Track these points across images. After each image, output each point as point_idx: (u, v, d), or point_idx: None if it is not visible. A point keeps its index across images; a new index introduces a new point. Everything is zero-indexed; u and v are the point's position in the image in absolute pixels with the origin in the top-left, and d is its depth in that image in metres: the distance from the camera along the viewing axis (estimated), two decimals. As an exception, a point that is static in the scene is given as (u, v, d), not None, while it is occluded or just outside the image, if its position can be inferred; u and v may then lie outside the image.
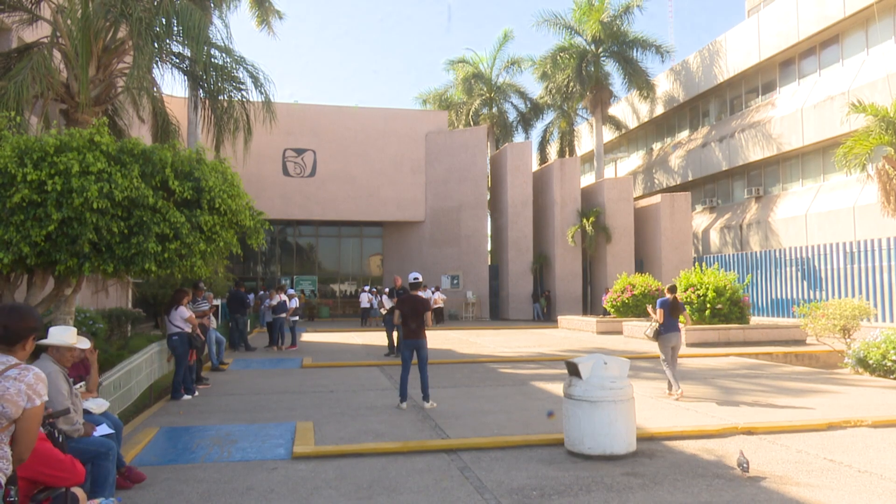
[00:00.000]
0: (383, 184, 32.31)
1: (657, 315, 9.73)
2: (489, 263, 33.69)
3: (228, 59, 13.60)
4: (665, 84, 35.73)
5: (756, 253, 25.43)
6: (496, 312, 32.73)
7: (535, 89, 48.18)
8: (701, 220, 32.82)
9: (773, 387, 10.45)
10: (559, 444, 6.56)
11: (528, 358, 14.85)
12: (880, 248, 19.61)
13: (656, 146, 38.21)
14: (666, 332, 9.72)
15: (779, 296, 23.80)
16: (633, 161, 40.34)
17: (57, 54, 12.43)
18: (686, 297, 17.91)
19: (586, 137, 43.35)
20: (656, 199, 30.78)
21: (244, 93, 14.04)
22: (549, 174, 31.63)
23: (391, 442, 6.84)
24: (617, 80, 34.97)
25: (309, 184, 31.85)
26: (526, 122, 39.83)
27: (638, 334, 18.79)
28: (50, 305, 8.69)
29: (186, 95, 22.77)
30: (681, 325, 10.03)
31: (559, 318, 26.04)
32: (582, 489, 5.28)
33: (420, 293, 9.20)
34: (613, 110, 38.45)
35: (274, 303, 17.13)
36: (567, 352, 15.89)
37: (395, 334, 14.59)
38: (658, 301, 9.87)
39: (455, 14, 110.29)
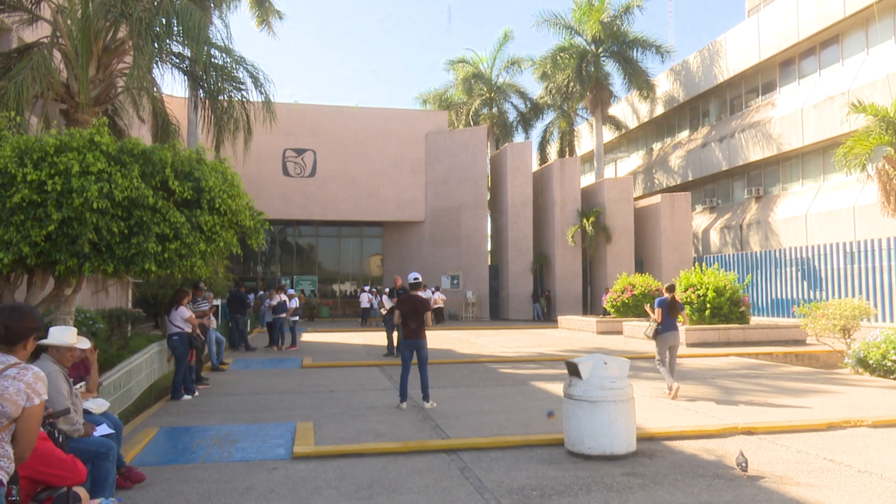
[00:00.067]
0: (383, 184, 32.31)
1: (655, 315, 9.77)
2: (489, 263, 33.70)
3: (228, 59, 13.60)
4: (665, 84, 35.73)
5: (756, 253, 25.43)
6: (496, 312, 32.74)
7: (535, 89, 48.23)
8: (701, 220, 32.83)
9: (773, 387, 10.45)
10: (559, 444, 6.57)
11: (528, 358, 14.85)
12: (880, 248, 19.61)
13: (656, 146, 38.21)
14: (664, 331, 9.76)
15: (779, 296, 23.80)
16: (633, 161, 40.35)
17: (57, 54, 12.43)
18: (686, 297, 17.91)
19: (586, 137, 43.36)
20: (656, 199, 30.79)
21: (244, 93, 14.05)
22: (549, 174, 31.63)
23: (391, 442, 6.84)
24: (617, 80, 35.03)
25: (309, 184, 31.85)
26: (526, 122, 39.84)
27: (638, 334, 18.79)
28: (50, 305, 8.69)
29: (186, 95, 22.77)
30: (679, 325, 10.06)
31: (559, 318, 26.04)
32: (582, 489, 5.28)
33: (420, 293, 9.20)
34: (613, 110, 38.46)
35: (274, 303, 17.13)
36: (567, 352, 15.90)
37: (395, 335, 14.59)
38: (656, 301, 9.90)
39: (455, 14, 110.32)
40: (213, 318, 13.00)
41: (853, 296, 18.61)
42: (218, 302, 18.43)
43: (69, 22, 11.49)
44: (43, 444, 3.67)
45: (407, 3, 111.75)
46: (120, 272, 7.73)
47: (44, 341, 4.67)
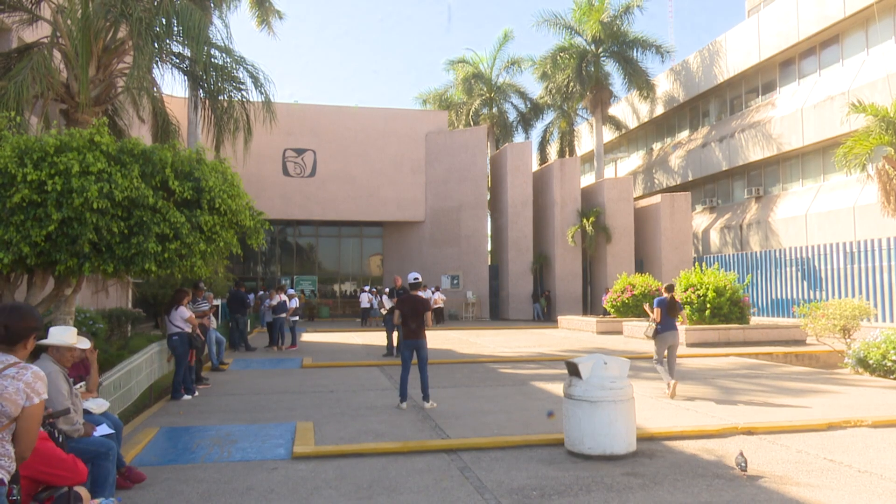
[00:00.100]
0: (383, 184, 32.31)
1: (654, 314, 9.80)
2: (489, 263, 33.70)
3: (228, 59, 13.60)
4: (665, 84, 35.73)
5: (756, 253, 25.43)
6: (496, 312, 32.74)
7: (535, 89, 48.23)
8: (701, 220, 32.83)
9: (773, 387, 10.45)
10: (559, 444, 6.57)
11: (528, 358, 14.85)
12: (880, 248, 19.61)
13: (656, 146, 38.21)
14: (663, 330, 9.81)
15: (779, 296, 23.80)
16: (633, 161, 40.35)
17: (57, 54, 12.43)
18: (686, 297, 17.91)
19: (586, 137, 43.36)
20: (656, 199, 30.79)
21: (244, 93, 14.05)
22: (549, 174, 31.63)
23: (391, 442, 6.84)
24: (617, 80, 35.03)
25: (309, 184, 31.85)
26: (526, 122, 39.84)
27: (638, 334, 18.79)
28: (50, 305, 8.69)
29: (186, 95, 22.77)
30: (678, 325, 10.09)
31: (559, 318, 26.04)
32: (582, 489, 5.28)
33: (420, 293, 9.20)
34: (613, 110, 38.46)
35: (274, 303, 17.13)
36: (567, 352, 15.89)
37: (394, 335, 14.59)
38: (655, 300, 9.94)
39: (455, 14, 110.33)
40: (213, 318, 13.00)
41: (853, 296, 18.61)
42: (218, 302, 18.43)
43: (69, 22, 11.49)
44: (44, 444, 3.68)
45: (407, 3, 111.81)
46: (120, 272, 7.73)
47: (44, 341, 4.68)
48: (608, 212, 30.48)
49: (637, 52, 33.59)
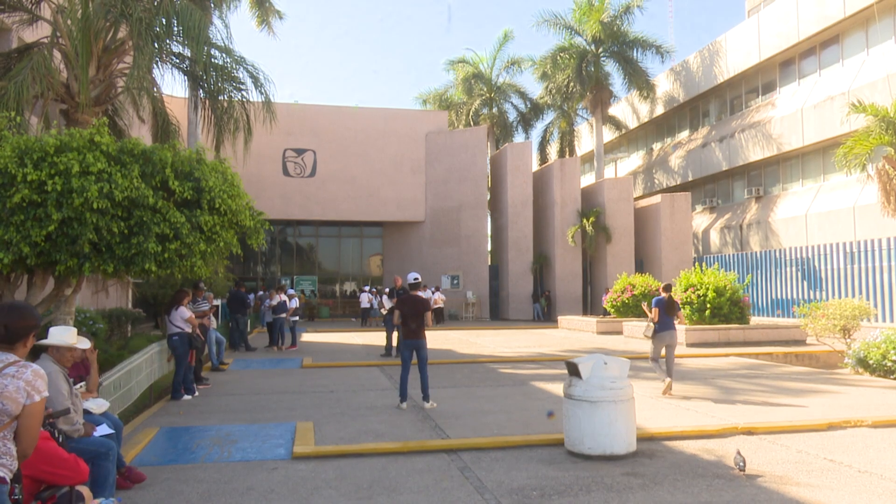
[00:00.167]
0: (383, 184, 32.31)
1: (653, 314, 9.85)
2: (489, 263, 33.70)
3: (228, 60, 13.60)
4: (665, 84, 35.73)
5: (756, 253, 25.43)
6: (496, 312, 32.74)
7: (535, 89, 48.21)
8: (701, 220, 32.83)
9: (773, 387, 10.45)
10: (559, 444, 6.57)
11: (528, 358, 14.85)
12: (880, 248, 19.61)
13: (656, 146, 38.21)
14: (661, 330, 9.89)
15: (779, 296, 23.80)
16: (633, 161, 40.35)
17: (57, 54, 12.43)
18: (686, 297, 17.91)
19: (586, 137, 43.36)
20: (656, 199, 30.79)
21: (244, 93, 14.04)
22: (549, 174, 31.63)
23: (391, 442, 6.84)
24: (617, 81, 35.03)
25: (309, 184, 31.85)
26: (526, 122, 39.84)
27: (638, 334, 18.78)
28: (50, 305, 8.69)
29: (186, 95, 22.77)
30: (676, 324, 10.15)
31: (559, 318, 26.04)
32: (582, 489, 5.28)
33: (420, 293, 9.20)
34: (613, 110, 38.46)
35: (274, 303, 17.13)
36: (567, 352, 15.89)
37: (394, 335, 14.59)
38: (653, 300, 10.00)
39: (455, 14, 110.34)
40: (213, 319, 13.00)
41: (853, 296, 18.60)
42: (218, 302, 18.43)
43: (69, 22, 11.49)
44: (45, 444, 3.68)
45: (407, 3, 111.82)
46: (120, 272, 7.73)
47: (44, 341, 4.68)
48: (608, 212, 30.48)
49: (637, 52, 33.60)
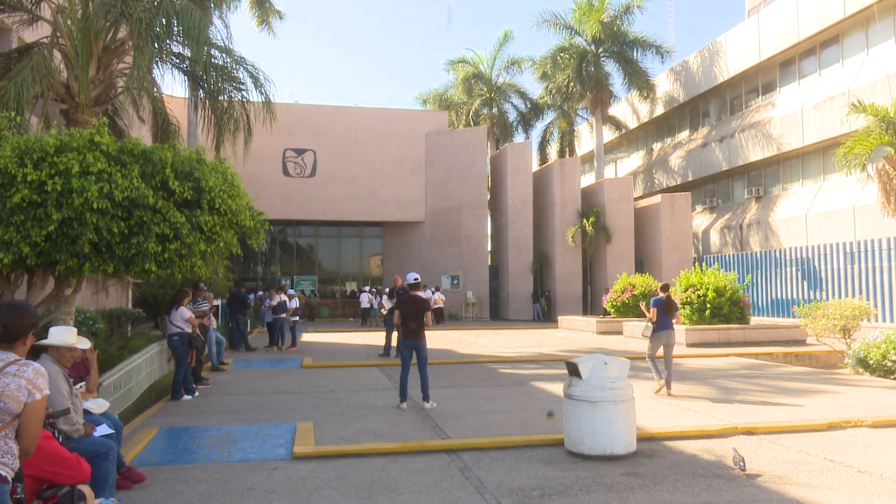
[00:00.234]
0: (383, 184, 32.31)
1: (651, 314, 9.89)
2: (489, 263, 33.70)
3: (228, 60, 13.60)
4: (665, 84, 35.73)
5: (756, 253, 25.43)
6: (496, 312, 32.73)
7: (535, 89, 48.22)
8: (701, 220, 32.83)
9: (773, 387, 10.45)
10: (559, 445, 6.57)
11: (528, 358, 14.85)
12: (880, 248, 19.60)
13: (656, 146, 38.21)
14: (659, 329, 9.93)
15: (779, 296, 23.80)
16: (633, 161, 40.35)
17: (57, 54, 12.43)
18: (686, 297, 17.91)
19: (586, 137, 43.36)
20: (656, 199, 30.79)
21: (244, 93, 14.04)
22: (549, 174, 31.63)
23: (391, 442, 6.84)
24: (617, 81, 35.03)
25: (309, 184, 31.85)
26: (526, 122, 39.84)
27: (638, 334, 18.78)
28: (50, 305, 8.69)
29: (186, 95, 22.77)
30: (674, 324, 10.18)
31: (559, 318, 26.04)
32: (582, 489, 5.28)
33: (420, 293, 9.20)
34: (613, 110, 38.45)
35: (274, 303, 17.13)
36: (567, 352, 15.89)
37: (394, 335, 14.59)
38: (652, 300, 10.05)
39: (455, 14, 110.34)
40: (213, 319, 13.00)
41: (853, 296, 18.60)
42: (218, 302, 18.43)
43: (69, 22, 11.49)
44: (47, 443, 3.69)
45: (407, 3, 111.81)
46: (120, 272, 7.73)
47: (44, 341, 4.68)
48: (608, 212, 30.48)
49: (637, 52, 33.60)
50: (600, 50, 34.09)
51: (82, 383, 5.61)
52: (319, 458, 6.32)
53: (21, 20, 13.81)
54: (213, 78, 13.60)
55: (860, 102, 18.07)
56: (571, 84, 34.31)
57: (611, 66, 34.59)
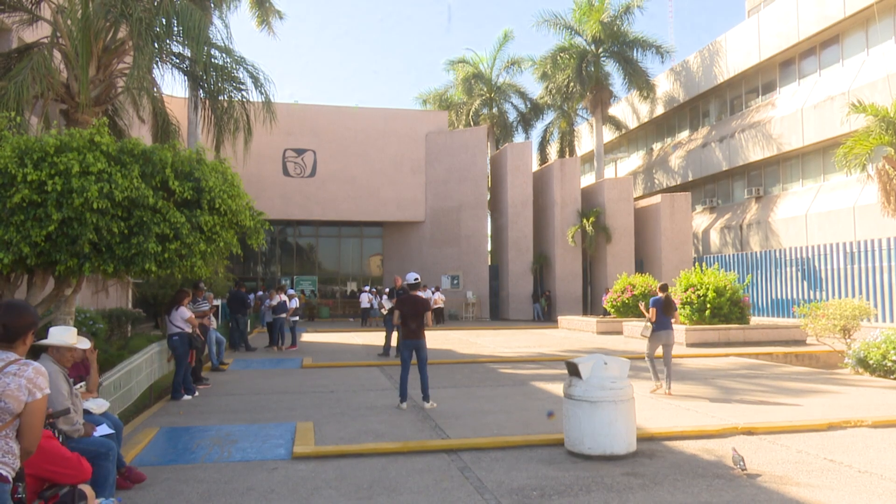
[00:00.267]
0: (383, 184, 32.31)
1: (650, 314, 9.90)
2: (489, 263, 33.70)
3: (228, 60, 13.60)
4: (665, 84, 35.73)
5: (756, 253, 25.43)
6: (496, 312, 32.73)
7: (535, 89, 48.26)
8: (701, 220, 32.83)
9: (773, 387, 10.45)
10: (559, 445, 6.57)
11: (528, 358, 14.85)
12: (880, 248, 19.60)
13: (656, 146, 38.21)
14: (658, 329, 9.95)
15: (779, 296, 23.80)
16: (633, 161, 40.35)
17: (57, 54, 12.43)
18: (686, 297, 17.91)
19: (586, 137, 43.36)
20: (656, 199, 30.78)
21: (244, 93, 14.04)
22: (549, 174, 31.63)
23: (391, 442, 6.84)
24: (617, 81, 35.03)
25: (309, 184, 31.85)
26: (526, 122, 39.83)
27: (638, 334, 18.78)
28: (50, 305, 8.69)
29: (186, 95, 22.77)
30: (673, 324, 10.22)
31: (559, 318, 26.04)
32: (582, 489, 5.28)
33: (419, 293, 9.20)
34: (613, 110, 38.46)
35: (274, 303, 17.13)
36: (567, 352, 15.89)
37: (394, 335, 14.59)
38: (651, 300, 10.07)
39: (455, 14, 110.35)
40: (213, 319, 13.00)
41: (853, 296, 18.60)
42: (218, 302, 18.44)
43: (69, 22, 11.49)
44: (48, 443, 3.69)
45: (407, 3, 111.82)
46: (120, 272, 7.73)
47: (44, 341, 4.68)
48: (608, 212, 30.47)
49: (637, 52, 33.60)
50: (600, 50, 34.08)
51: (82, 383, 5.61)
52: (319, 458, 6.32)
53: (21, 20, 13.81)
54: (213, 78, 13.60)
55: (860, 102, 18.07)
56: (571, 84, 34.31)
57: (611, 66, 34.62)
